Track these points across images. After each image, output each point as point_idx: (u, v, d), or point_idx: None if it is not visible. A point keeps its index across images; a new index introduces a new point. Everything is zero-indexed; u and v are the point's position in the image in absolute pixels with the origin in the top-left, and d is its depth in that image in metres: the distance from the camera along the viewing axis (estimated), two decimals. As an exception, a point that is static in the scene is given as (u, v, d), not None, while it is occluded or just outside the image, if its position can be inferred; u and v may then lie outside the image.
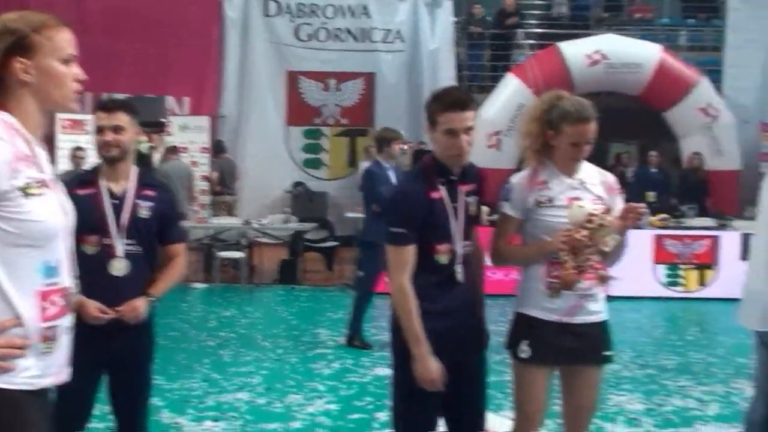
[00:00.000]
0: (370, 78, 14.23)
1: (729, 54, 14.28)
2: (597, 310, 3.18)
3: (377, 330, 7.45)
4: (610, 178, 3.29)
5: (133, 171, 3.35)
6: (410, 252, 2.99)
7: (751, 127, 13.86)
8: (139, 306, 3.22)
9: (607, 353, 3.22)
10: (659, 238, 9.66)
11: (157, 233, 3.35)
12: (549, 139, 3.16)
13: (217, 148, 13.00)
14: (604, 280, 3.08)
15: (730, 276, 9.52)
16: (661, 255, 9.66)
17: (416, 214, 3.00)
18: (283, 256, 10.76)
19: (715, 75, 13.91)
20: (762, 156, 13.72)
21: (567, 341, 3.11)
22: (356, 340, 7.15)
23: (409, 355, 2.98)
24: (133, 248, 3.27)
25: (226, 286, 10.04)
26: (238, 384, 5.91)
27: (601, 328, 3.21)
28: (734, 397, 5.73)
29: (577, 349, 3.13)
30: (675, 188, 12.63)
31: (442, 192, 3.05)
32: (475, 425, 3.23)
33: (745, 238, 9.58)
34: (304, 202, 13.35)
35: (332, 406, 5.44)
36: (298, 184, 13.93)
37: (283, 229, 10.86)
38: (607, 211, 3.04)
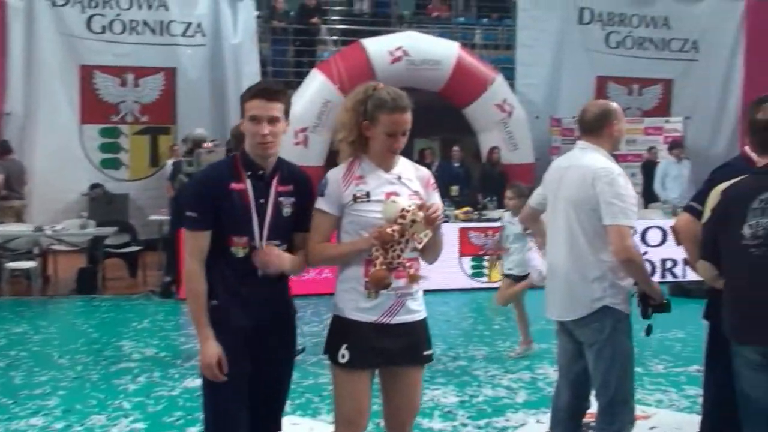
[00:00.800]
0: (170, 73, 13.62)
1: (520, 52, 15.05)
2: (416, 309, 3.14)
3: (186, 339, 7.13)
4: (426, 173, 3.25)
5: None
6: (202, 237, 3.01)
7: (542, 122, 14.71)
8: None
9: (428, 353, 3.19)
10: (464, 231, 9.98)
11: None
12: (364, 131, 3.09)
13: (1, 149, 11.93)
14: (414, 279, 3.04)
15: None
16: (466, 247, 9.98)
17: (209, 200, 2.99)
18: (80, 264, 10.08)
19: (508, 72, 14.62)
20: (552, 150, 14.57)
21: (386, 343, 3.06)
22: None
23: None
24: None
25: (17, 299, 9.28)
26: (32, 408, 5.41)
27: (421, 326, 3.17)
28: (540, 383, 6.00)
29: (397, 349, 3.08)
30: (476, 182, 13.12)
31: (246, 185, 2.99)
32: (271, 425, 3.21)
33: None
34: (102, 205, 12.59)
35: (139, 425, 5.10)
36: (95, 185, 13.09)
37: (80, 235, 10.16)
38: (422, 207, 3.00)
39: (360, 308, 3.07)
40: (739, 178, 3.30)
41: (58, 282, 10.06)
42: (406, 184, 3.12)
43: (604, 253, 3.49)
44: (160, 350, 7.08)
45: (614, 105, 3.81)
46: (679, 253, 10.04)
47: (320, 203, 3.12)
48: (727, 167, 3.67)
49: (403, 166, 3.19)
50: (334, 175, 3.13)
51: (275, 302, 3.12)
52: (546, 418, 5.09)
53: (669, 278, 10.19)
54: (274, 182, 3.05)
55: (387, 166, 3.13)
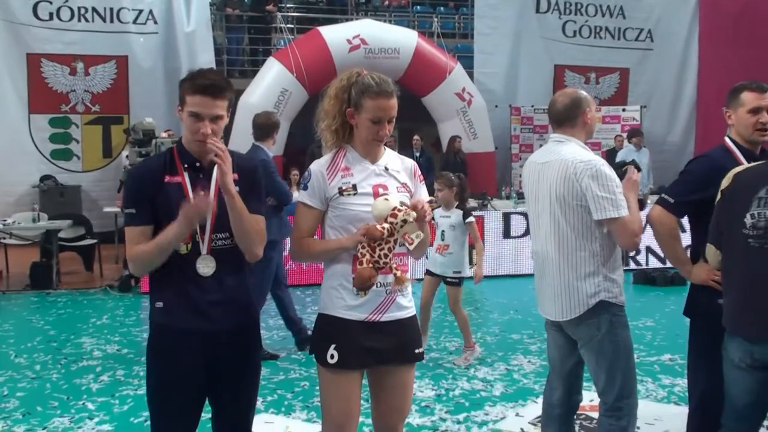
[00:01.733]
0: (122, 61, 13.24)
1: (478, 41, 15.00)
2: (407, 305, 3.00)
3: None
4: (411, 163, 3.11)
5: None
6: (142, 233, 2.82)
7: (502, 110, 14.69)
8: None
9: (419, 350, 3.05)
10: (428, 222, 9.86)
11: None
12: (349, 118, 2.96)
13: (-55, 140, 11.48)
14: (400, 281, 2.90)
15: (494, 254, 9.99)
16: (431, 237, 9.86)
17: (146, 195, 2.82)
18: (34, 259, 9.72)
19: (467, 61, 14.57)
20: (513, 138, 14.59)
21: (376, 341, 2.91)
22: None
23: (156, 351, 2.90)
24: None
25: (-34, 296, 8.89)
26: (-10, 411, 5.16)
27: (411, 323, 3.04)
28: (515, 374, 5.92)
29: (388, 348, 2.94)
30: (438, 171, 13.00)
31: (183, 178, 2.82)
32: (236, 428, 3.03)
33: (507, 217, 10.07)
34: (54, 197, 12.20)
35: (105, 427, 4.88)
36: (46, 177, 12.68)
37: (32, 229, 9.81)
38: (414, 206, 2.86)
39: (348, 306, 2.92)
40: (755, 164, 3.20)
41: (11, 277, 9.70)
42: (394, 175, 2.99)
43: (594, 246, 3.39)
44: (123, 347, 6.84)
45: (583, 93, 3.66)
46: (642, 241, 10.16)
47: (303, 197, 2.98)
48: (705, 158, 3.57)
49: (389, 156, 3.06)
50: (318, 166, 2.99)
51: (231, 304, 2.88)
52: (525, 411, 5.07)
53: (633, 266, 10.25)
54: (216, 173, 2.84)
55: (373, 157, 2.99)
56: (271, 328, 7.29)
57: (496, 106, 14.60)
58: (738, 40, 15.66)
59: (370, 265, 2.81)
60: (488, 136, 13.76)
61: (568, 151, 3.46)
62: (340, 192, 2.92)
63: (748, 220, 3.06)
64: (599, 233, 3.39)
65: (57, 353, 6.63)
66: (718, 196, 3.23)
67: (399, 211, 2.81)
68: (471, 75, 14.27)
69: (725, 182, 3.21)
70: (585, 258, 3.40)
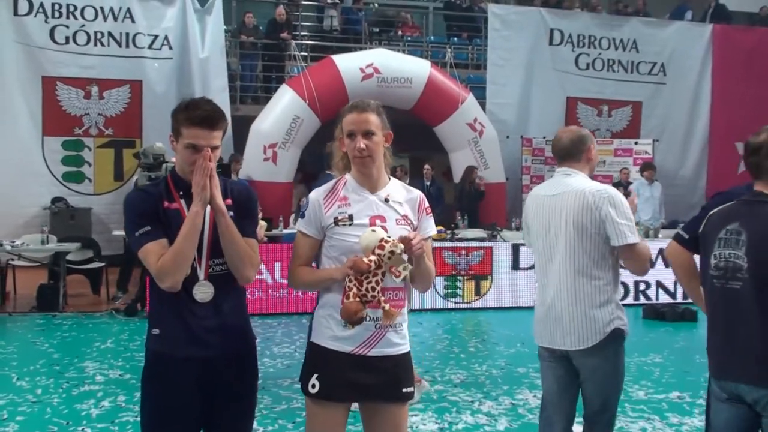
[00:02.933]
0: (136, 86, 13.34)
1: (491, 71, 15.03)
2: (398, 342, 2.94)
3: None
4: (418, 195, 3.07)
5: None
6: (162, 245, 2.79)
7: (513, 141, 14.68)
8: None
9: (408, 390, 2.96)
10: (437, 251, 9.84)
11: None
12: (342, 146, 2.99)
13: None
14: (389, 316, 2.82)
15: (503, 285, 9.93)
16: (439, 267, 9.83)
17: (152, 214, 2.81)
18: (41, 281, 9.72)
19: (479, 91, 14.59)
20: (525, 169, 14.55)
21: (362, 376, 2.86)
22: None
23: (151, 379, 2.88)
24: None
25: (-27, 317, 8.88)
26: (-11, 435, 5.12)
27: (403, 361, 2.96)
28: (521, 409, 5.83)
29: (373, 385, 2.88)
30: (455, 201, 12.96)
31: (180, 204, 2.82)
32: None
33: (516, 249, 10.01)
34: (64, 219, 12.24)
35: (104, 454, 4.84)
36: (57, 199, 12.74)
37: (41, 251, 9.82)
38: (403, 239, 2.80)
39: (336, 337, 2.89)
40: (726, 205, 3.19)
41: (18, 298, 9.69)
42: (394, 207, 2.95)
43: (609, 275, 3.48)
44: (125, 372, 6.79)
45: (585, 130, 3.81)
46: (652, 275, 10.08)
47: (300, 225, 2.97)
48: (724, 194, 3.51)
49: (393, 187, 3.02)
50: (316, 195, 2.98)
51: (228, 331, 2.86)
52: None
53: (642, 300, 10.15)
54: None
55: (372, 186, 2.97)
56: (275, 357, 7.23)
57: (508, 137, 14.60)
58: (751, 76, 15.64)
59: (357, 299, 2.77)
60: (499, 167, 13.74)
61: (579, 183, 3.54)
62: (336, 222, 2.90)
63: (712, 260, 3.08)
64: (612, 261, 3.49)
65: (59, 377, 6.59)
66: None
67: (386, 242, 2.77)
68: (483, 105, 14.28)
69: (702, 225, 3.21)
70: (600, 287, 3.48)
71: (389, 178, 3.04)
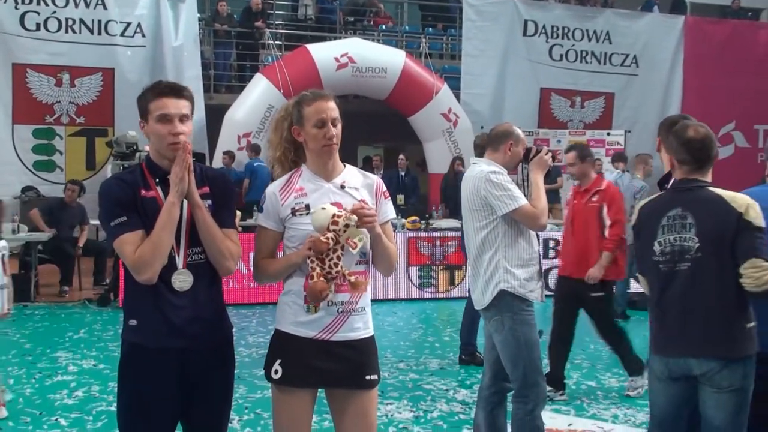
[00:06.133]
0: (108, 74, 13.20)
1: (465, 62, 15.06)
2: (360, 327, 2.95)
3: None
4: (374, 179, 3.08)
5: None
6: (139, 236, 2.77)
7: (487, 132, 14.70)
8: None
9: (371, 377, 2.96)
10: (412, 241, 9.87)
11: None
12: (297, 137, 2.97)
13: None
14: (357, 286, 2.84)
15: (476, 275, 9.98)
16: (414, 257, 9.88)
17: (129, 203, 2.78)
18: (12, 271, 9.60)
19: (454, 82, 14.62)
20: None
21: (325, 362, 2.87)
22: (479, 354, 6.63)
23: (128, 371, 2.84)
24: None
25: (-58, 307, 8.75)
26: (-40, 426, 5.07)
27: (366, 346, 2.97)
28: (494, 397, 5.87)
29: (337, 370, 2.89)
30: (441, 192, 12.96)
31: (156, 192, 2.80)
32: None
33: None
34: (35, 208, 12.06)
35: (78, 444, 4.82)
36: (28, 188, 12.59)
37: (11, 240, 9.68)
38: (353, 210, 2.82)
39: (298, 322, 2.89)
40: (657, 195, 3.44)
41: (-13, 289, 9.56)
42: (350, 193, 2.95)
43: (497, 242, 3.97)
44: (99, 362, 6.76)
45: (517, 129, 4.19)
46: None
47: (260, 219, 3.00)
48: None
49: (349, 173, 3.03)
50: (272, 188, 3.00)
51: (206, 321, 2.85)
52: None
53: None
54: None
55: (328, 174, 2.97)
56: (250, 346, 7.24)
57: (482, 128, 14.55)
58: (723, 68, 15.82)
59: (321, 277, 2.78)
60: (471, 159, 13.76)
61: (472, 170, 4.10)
62: (293, 212, 2.92)
63: (656, 247, 3.27)
64: (503, 230, 4.03)
65: (31, 367, 6.54)
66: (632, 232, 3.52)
67: (339, 217, 2.79)
68: (457, 96, 14.32)
69: (633, 218, 3.45)
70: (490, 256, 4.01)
71: (344, 165, 3.04)
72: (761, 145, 16.52)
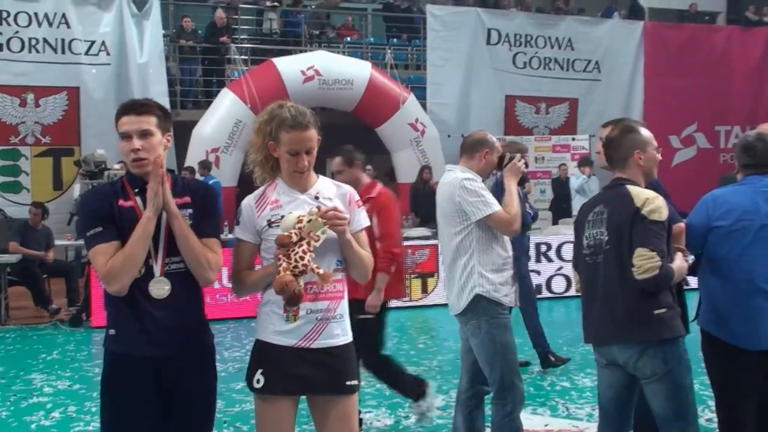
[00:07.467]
0: (73, 93, 13.13)
1: (431, 72, 15.20)
2: (340, 333, 3.00)
3: (100, 369, 6.78)
4: (348, 190, 3.14)
5: None
6: (114, 247, 2.83)
7: (454, 140, 14.85)
8: None
9: (351, 383, 3.01)
10: (384, 250, 9.91)
11: None
12: (272, 151, 3.01)
13: None
14: (325, 278, 2.89)
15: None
16: (386, 266, 9.87)
17: (105, 214, 2.84)
18: (-20, 294, 9.51)
19: (420, 92, 14.75)
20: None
21: (305, 369, 2.93)
22: (552, 356, 6.72)
23: (109, 381, 2.90)
24: None
25: None
26: (-63, 451, 5.03)
27: (345, 352, 3.02)
28: (471, 402, 5.94)
29: (317, 377, 2.94)
30: (410, 201, 13.02)
31: (135, 201, 2.86)
32: None
33: (460, 246, 10.15)
34: (2, 230, 11.92)
35: (57, 464, 4.80)
36: (-6, 211, 12.45)
37: (-22, 263, 9.59)
38: (319, 209, 2.89)
39: (278, 331, 2.94)
40: (598, 193, 3.70)
41: (-44, 313, 9.46)
42: (325, 203, 3.00)
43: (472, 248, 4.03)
44: (74, 382, 6.71)
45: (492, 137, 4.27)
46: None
47: (237, 232, 3.04)
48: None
49: (323, 184, 3.09)
50: (248, 201, 3.06)
51: (185, 329, 2.89)
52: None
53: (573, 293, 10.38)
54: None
55: (302, 187, 3.03)
56: (226, 361, 7.23)
57: (449, 136, 14.76)
58: (681, 71, 16.13)
59: (288, 272, 2.83)
60: (441, 166, 13.85)
61: (446, 177, 4.16)
62: (269, 224, 2.97)
63: (584, 241, 3.50)
64: (476, 236, 4.09)
65: (6, 390, 6.48)
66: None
67: (303, 217, 2.87)
68: (424, 105, 14.44)
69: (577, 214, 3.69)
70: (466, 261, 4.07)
71: (317, 176, 3.10)
72: (722, 145, 16.83)
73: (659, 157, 3.57)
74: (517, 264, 6.62)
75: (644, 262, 3.22)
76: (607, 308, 3.35)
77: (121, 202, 2.85)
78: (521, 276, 6.70)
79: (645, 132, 3.53)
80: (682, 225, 3.60)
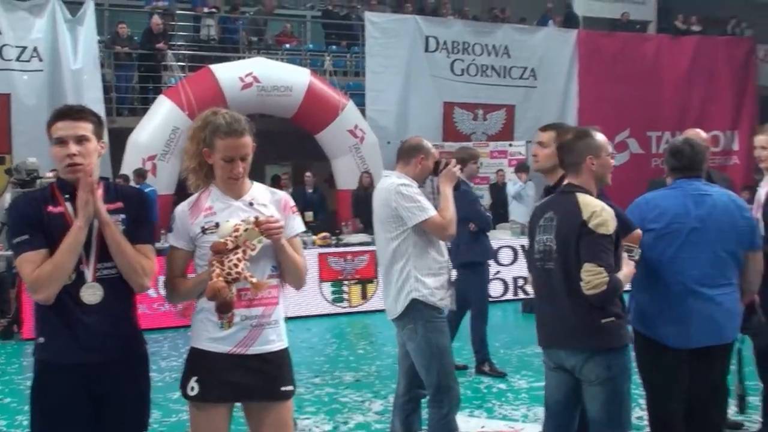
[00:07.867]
0: (4, 99, 12.79)
1: (370, 78, 15.25)
2: (275, 339, 3.02)
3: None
4: (282, 196, 3.16)
5: None
6: (41, 256, 2.79)
7: (393, 147, 14.91)
8: None
9: (286, 388, 3.03)
10: (323, 257, 9.94)
11: None
12: (206, 158, 3.01)
13: None
14: (258, 287, 2.90)
15: (388, 288, 10.11)
16: (325, 273, 9.94)
17: (33, 221, 2.81)
18: None
19: (359, 98, 14.79)
20: (405, 173, 14.80)
21: (240, 375, 2.94)
22: (487, 366, 6.77)
23: (38, 390, 2.86)
24: None
25: None
26: None
27: (280, 358, 3.04)
28: (409, 406, 5.98)
29: (252, 383, 2.95)
30: (352, 207, 13.03)
31: (64, 207, 2.83)
32: None
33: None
34: (-70, 241, 11.60)
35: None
36: None
37: None
38: (256, 219, 2.90)
39: (213, 338, 2.95)
40: (549, 196, 3.68)
41: None
42: (260, 210, 3.02)
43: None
44: (4, 396, 6.57)
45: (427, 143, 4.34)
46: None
47: (170, 239, 3.04)
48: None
49: (257, 190, 3.10)
50: (181, 208, 3.06)
51: (117, 335, 2.87)
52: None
53: (521, 295, 10.56)
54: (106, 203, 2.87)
55: (237, 193, 3.03)
56: (163, 371, 7.15)
57: (389, 143, 14.80)
58: (615, 78, 16.49)
59: (221, 278, 2.83)
60: (381, 172, 13.90)
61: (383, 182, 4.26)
62: (203, 231, 2.97)
63: (536, 246, 3.52)
64: (413, 241, 4.16)
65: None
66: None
67: (240, 225, 2.88)
68: (363, 112, 14.48)
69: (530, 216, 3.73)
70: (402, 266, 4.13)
71: (251, 183, 3.11)
72: (654, 151, 17.26)
73: (613, 162, 3.55)
74: (481, 269, 6.79)
75: (592, 278, 3.22)
76: (557, 314, 3.40)
77: (50, 208, 2.82)
78: (482, 282, 6.82)
79: (599, 137, 3.49)
80: (639, 232, 3.67)
